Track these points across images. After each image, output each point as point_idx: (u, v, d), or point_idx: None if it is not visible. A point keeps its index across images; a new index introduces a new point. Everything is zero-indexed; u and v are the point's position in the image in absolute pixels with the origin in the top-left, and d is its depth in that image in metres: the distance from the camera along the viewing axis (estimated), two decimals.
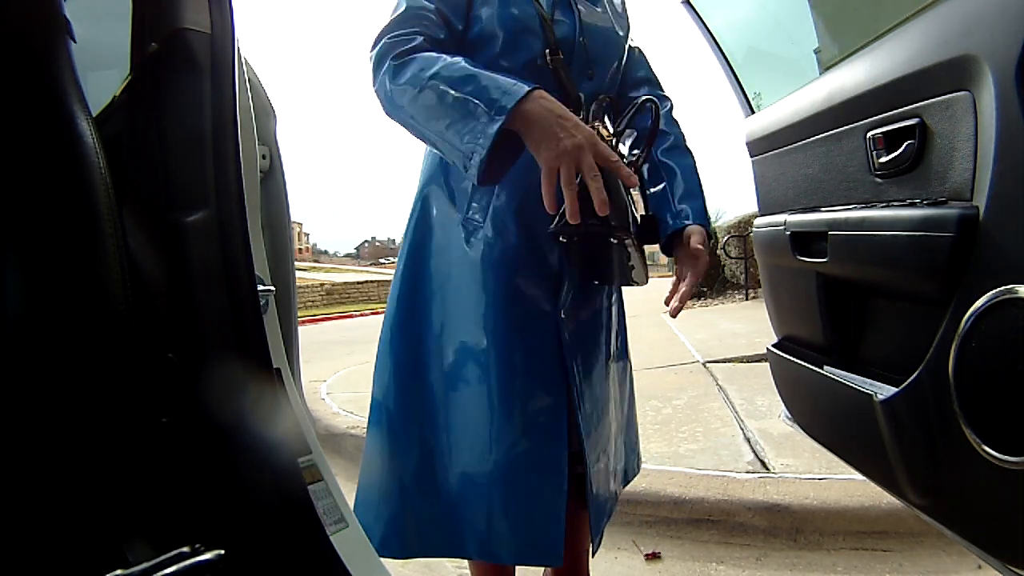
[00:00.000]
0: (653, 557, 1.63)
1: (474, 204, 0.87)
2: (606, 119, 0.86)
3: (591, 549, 0.91)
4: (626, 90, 1.00)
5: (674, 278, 0.88)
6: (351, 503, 0.81)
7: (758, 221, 1.27)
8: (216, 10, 0.63)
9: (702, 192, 0.93)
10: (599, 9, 0.92)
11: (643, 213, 0.88)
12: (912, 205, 0.78)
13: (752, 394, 2.85)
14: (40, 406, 0.44)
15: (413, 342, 0.90)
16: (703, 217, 0.91)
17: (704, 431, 2.38)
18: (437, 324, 0.89)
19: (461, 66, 0.76)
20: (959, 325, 0.67)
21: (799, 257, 1.08)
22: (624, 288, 0.97)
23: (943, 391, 0.70)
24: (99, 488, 0.46)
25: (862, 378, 0.94)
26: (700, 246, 0.87)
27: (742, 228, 6.98)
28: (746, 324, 5.01)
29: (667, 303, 0.86)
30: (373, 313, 12.84)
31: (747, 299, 7.03)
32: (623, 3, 1.01)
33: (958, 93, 0.70)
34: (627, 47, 0.99)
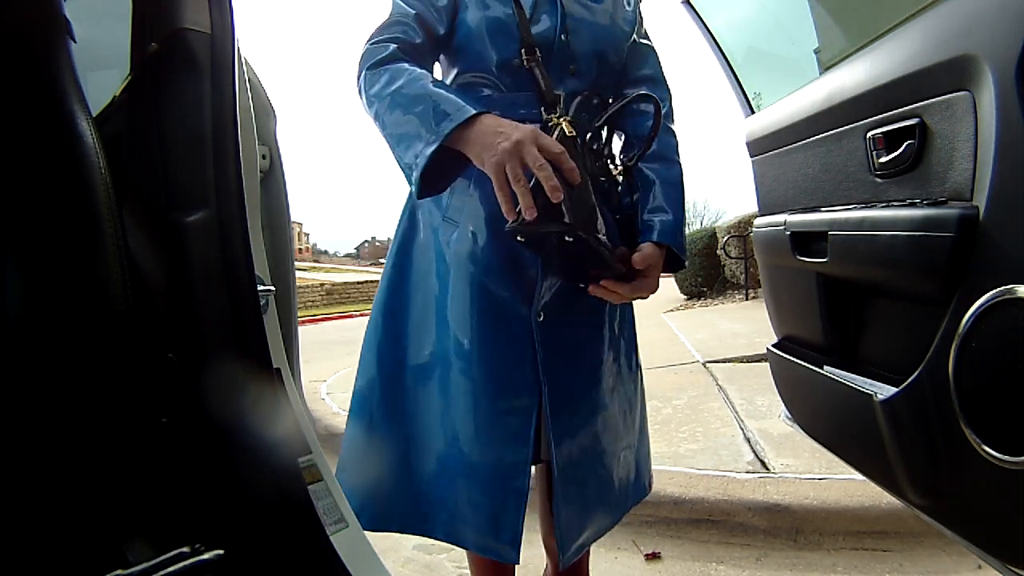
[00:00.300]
0: (653, 557, 1.63)
1: (452, 204, 0.89)
2: (582, 115, 0.87)
3: (561, 561, 0.88)
4: (625, 87, 0.97)
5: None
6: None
7: (758, 221, 1.27)
8: (216, 10, 0.63)
9: (677, 206, 0.89)
10: (594, 4, 0.91)
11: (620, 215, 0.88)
12: (912, 205, 0.78)
13: (752, 394, 2.85)
14: (40, 406, 0.44)
15: (395, 337, 0.93)
16: (670, 234, 0.86)
17: (704, 431, 2.38)
18: (417, 320, 0.92)
19: (420, 84, 0.79)
20: (959, 325, 0.67)
21: (799, 257, 1.08)
22: None
23: (943, 391, 0.70)
24: (99, 488, 0.46)
25: (862, 378, 0.94)
26: (644, 266, 0.83)
27: (742, 228, 6.98)
28: (746, 324, 5.00)
29: (595, 281, 0.82)
30: None
31: (747, 299, 7.02)
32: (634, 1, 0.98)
33: (958, 93, 0.70)
34: (634, 43, 0.97)
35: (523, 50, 0.85)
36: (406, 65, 0.82)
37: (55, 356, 0.45)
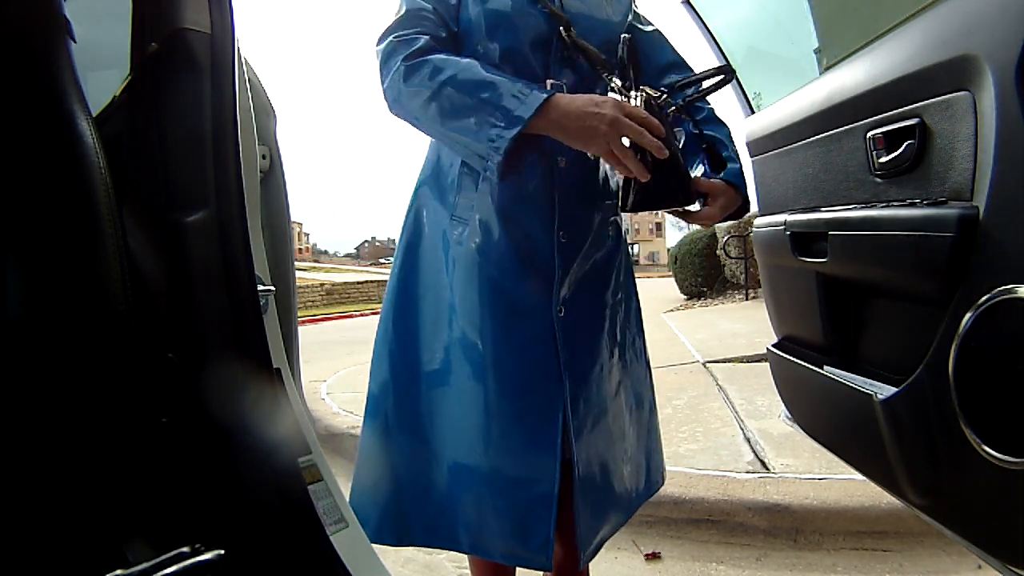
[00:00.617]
0: (653, 557, 1.63)
1: (460, 201, 0.88)
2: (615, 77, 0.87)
3: (581, 559, 0.87)
4: (649, 77, 0.95)
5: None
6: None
7: (758, 221, 1.27)
8: (216, 10, 0.63)
9: (737, 155, 0.94)
10: None
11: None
12: (912, 205, 0.78)
13: (752, 394, 2.85)
14: (40, 406, 0.44)
15: (407, 339, 0.91)
16: (735, 176, 0.90)
17: (704, 431, 2.38)
18: (428, 322, 0.90)
19: (476, 70, 0.80)
20: (959, 325, 0.67)
21: (799, 257, 1.08)
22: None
23: (943, 391, 0.70)
24: (99, 488, 0.46)
25: (862, 378, 0.94)
26: (717, 193, 0.87)
27: (742, 228, 6.97)
28: (746, 324, 5.00)
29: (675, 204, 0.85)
30: (373, 313, 12.81)
31: (747, 299, 7.02)
32: None
33: (958, 93, 0.70)
34: (644, 32, 0.98)
35: (561, 28, 0.86)
36: (448, 55, 0.83)
37: (55, 356, 0.45)
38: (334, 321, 11.53)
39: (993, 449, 0.63)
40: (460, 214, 0.87)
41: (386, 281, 0.99)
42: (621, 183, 0.85)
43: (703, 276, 8.36)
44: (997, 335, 0.63)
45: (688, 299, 8.49)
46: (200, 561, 0.46)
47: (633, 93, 0.83)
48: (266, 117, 0.97)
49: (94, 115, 0.51)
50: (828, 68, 1.05)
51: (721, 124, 0.95)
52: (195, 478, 0.56)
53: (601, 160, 0.90)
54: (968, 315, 0.65)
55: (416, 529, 0.89)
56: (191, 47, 0.61)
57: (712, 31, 1.38)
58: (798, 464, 1.93)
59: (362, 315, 12.57)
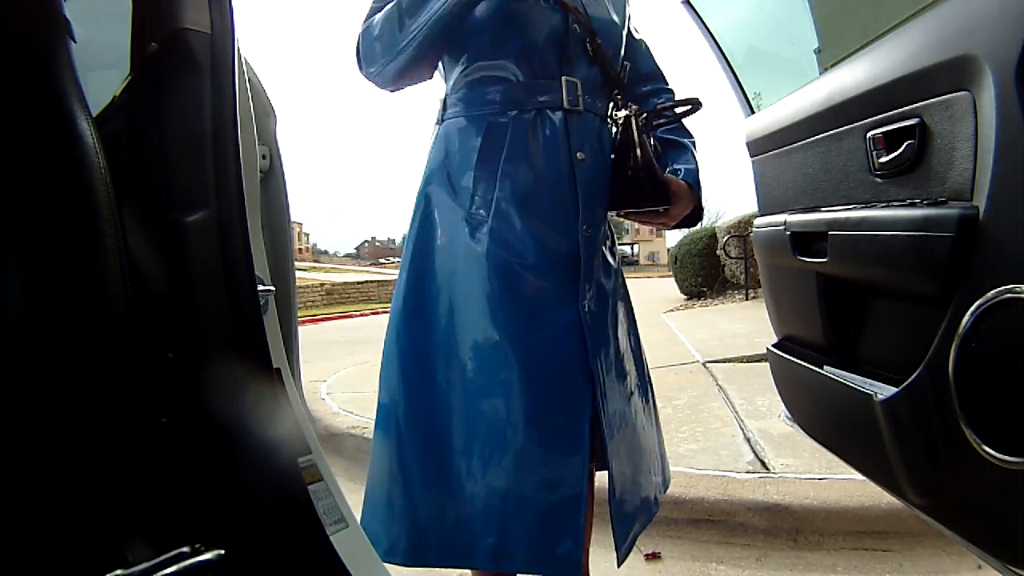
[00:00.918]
0: (653, 557, 1.63)
1: (477, 198, 0.86)
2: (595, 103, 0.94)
3: (617, 559, 0.85)
4: (635, 84, 1.01)
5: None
6: (351, 503, 0.80)
7: (758, 221, 1.27)
8: (216, 10, 0.63)
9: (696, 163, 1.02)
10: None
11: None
12: (912, 205, 0.78)
13: (752, 394, 2.85)
14: (40, 406, 0.44)
15: (420, 343, 0.88)
16: (693, 176, 0.98)
17: (704, 431, 2.38)
18: (444, 323, 0.87)
19: None
20: (959, 325, 0.67)
21: (799, 257, 1.08)
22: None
23: (943, 391, 0.70)
24: (99, 488, 0.46)
25: (862, 378, 0.94)
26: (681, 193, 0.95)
27: (742, 228, 6.97)
28: (746, 324, 5.00)
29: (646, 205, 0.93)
30: (373, 313, 12.83)
31: (747, 299, 7.02)
32: None
33: (958, 93, 0.70)
34: (635, 40, 1.02)
35: (587, 39, 0.89)
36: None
37: (55, 356, 0.45)
38: (334, 321, 11.53)
39: (993, 449, 0.63)
40: (478, 210, 0.86)
41: (386, 281, 0.99)
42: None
43: (703, 276, 8.36)
44: (997, 335, 0.63)
45: (688, 299, 8.49)
46: (200, 561, 0.46)
47: (622, 112, 0.91)
48: (266, 117, 0.96)
49: (94, 115, 0.51)
50: (828, 68, 1.05)
51: (688, 134, 1.04)
52: (195, 478, 0.56)
53: (611, 156, 0.92)
54: (968, 315, 0.65)
55: (433, 548, 0.85)
56: (191, 47, 0.61)
57: (712, 31, 1.38)
58: (798, 464, 1.93)
59: (362, 315, 12.58)
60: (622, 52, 0.98)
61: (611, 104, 0.95)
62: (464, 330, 0.85)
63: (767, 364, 1.33)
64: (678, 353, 4.12)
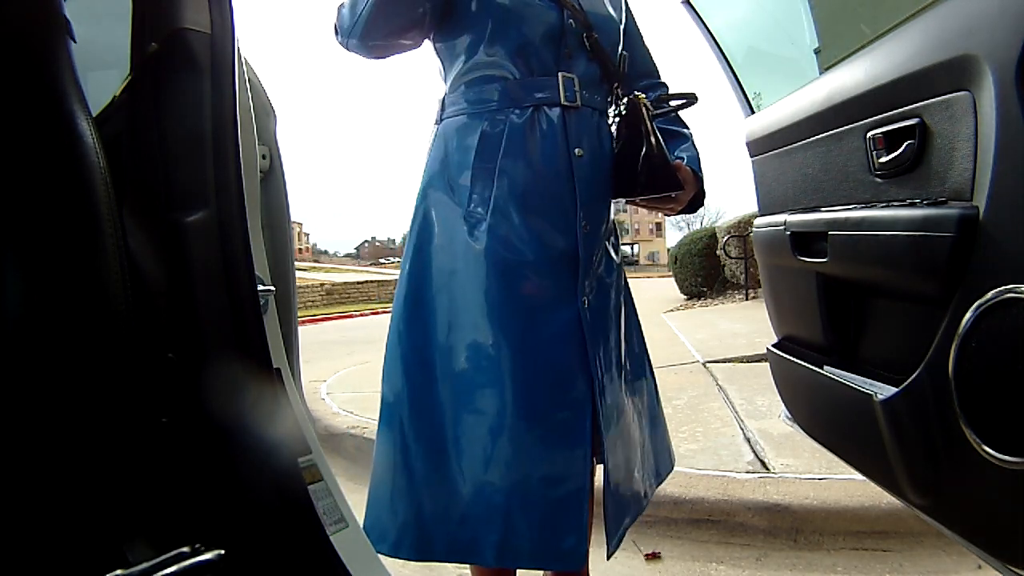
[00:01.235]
0: (653, 557, 1.63)
1: (474, 197, 0.86)
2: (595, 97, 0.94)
3: (607, 551, 0.86)
4: (631, 79, 1.02)
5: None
6: (351, 503, 0.80)
7: (758, 221, 1.27)
8: (216, 10, 0.63)
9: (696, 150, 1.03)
10: None
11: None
12: (912, 205, 0.78)
13: (752, 394, 2.85)
14: (40, 406, 0.44)
15: (421, 342, 0.89)
16: (696, 163, 0.99)
17: (704, 431, 2.38)
18: (445, 322, 0.87)
19: None
20: (959, 325, 0.67)
21: (799, 257, 1.08)
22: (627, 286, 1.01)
23: (943, 391, 0.70)
24: (99, 488, 0.46)
25: (862, 378, 0.94)
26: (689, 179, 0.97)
27: (742, 228, 6.97)
28: (746, 324, 5.00)
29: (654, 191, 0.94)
30: (373, 313, 12.82)
31: (747, 299, 7.02)
32: None
33: (958, 93, 0.70)
34: (634, 34, 1.03)
35: (584, 34, 0.89)
36: None
37: (55, 356, 0.45)
38: (334, 321, 11.52)
39: (993, 449, 0.63)
40: (476, 209, 0.86)
41: (386, 281, 0.99)
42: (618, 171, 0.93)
43: (703, 276, 8.36)
44: (997, 335, 0.63)
45: (688, 299, 8.49)
46: (200, 561, 0.46)
47: (624, 100, 0.91)
48: (266, 117, 0.97)
49: (94, 115, 0.51)
50: (828, 68, 1.05)
51: (685, 125, 1.05)
52: (195, 478, 0.56)
53: (611, 152, 0.93)
54: (968, 315, 0.65)
55: (438, 544, 0.85)
56: (191, 47, 0.61)
57: (712, 31, 1.38)
58: (798, 464, 1.93)
59: (362, 315, 12.57)
60: (620, 46, 0.98)
61: (610, 98, 0.95)
62: (464, 328, 0.86)
63: (767, 364, 1.33)
64: (678, 353, 4.12)
